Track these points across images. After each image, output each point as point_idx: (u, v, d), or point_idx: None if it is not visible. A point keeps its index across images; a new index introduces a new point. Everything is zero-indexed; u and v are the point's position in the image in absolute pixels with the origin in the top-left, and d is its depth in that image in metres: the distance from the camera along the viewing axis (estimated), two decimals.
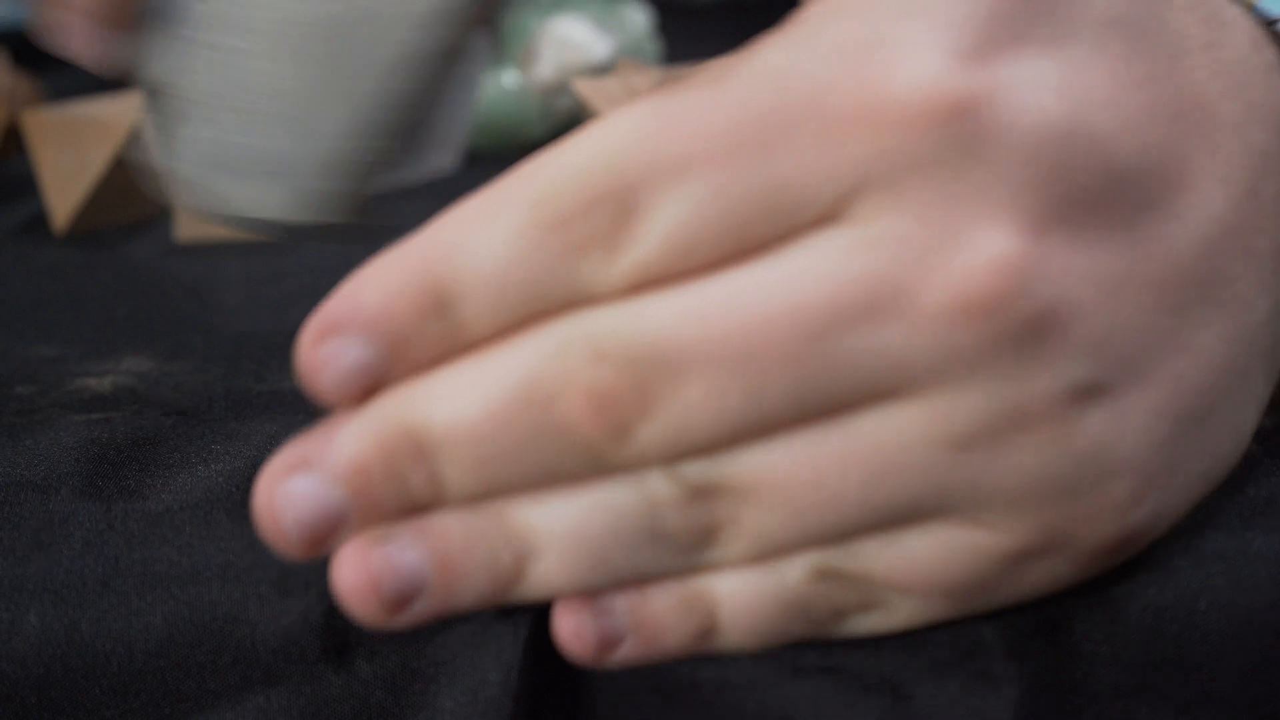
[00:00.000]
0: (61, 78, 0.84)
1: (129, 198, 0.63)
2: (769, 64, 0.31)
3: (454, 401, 0.31)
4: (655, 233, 0.30)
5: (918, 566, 0.32)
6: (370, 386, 0.32)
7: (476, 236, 0.31)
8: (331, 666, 0.35)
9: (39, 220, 0.64)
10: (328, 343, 0.32)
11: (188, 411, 0.44)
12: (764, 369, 0.30)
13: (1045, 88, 0.30)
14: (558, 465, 0.31)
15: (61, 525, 0.37)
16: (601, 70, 0.70)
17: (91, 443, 0.42)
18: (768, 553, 0.32)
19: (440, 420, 0.31)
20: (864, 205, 0.30)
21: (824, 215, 0.30)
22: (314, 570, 0.36)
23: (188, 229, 0.61)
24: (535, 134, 0.72)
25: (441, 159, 0.70)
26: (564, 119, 0.71)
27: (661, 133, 0.30)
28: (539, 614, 0.35)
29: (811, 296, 0.30)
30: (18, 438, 0.42)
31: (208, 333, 0.51)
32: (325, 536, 0.32)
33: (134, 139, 0.61)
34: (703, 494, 0.31)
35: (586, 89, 0.60)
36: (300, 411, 0.43)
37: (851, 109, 0.30)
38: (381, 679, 0.35)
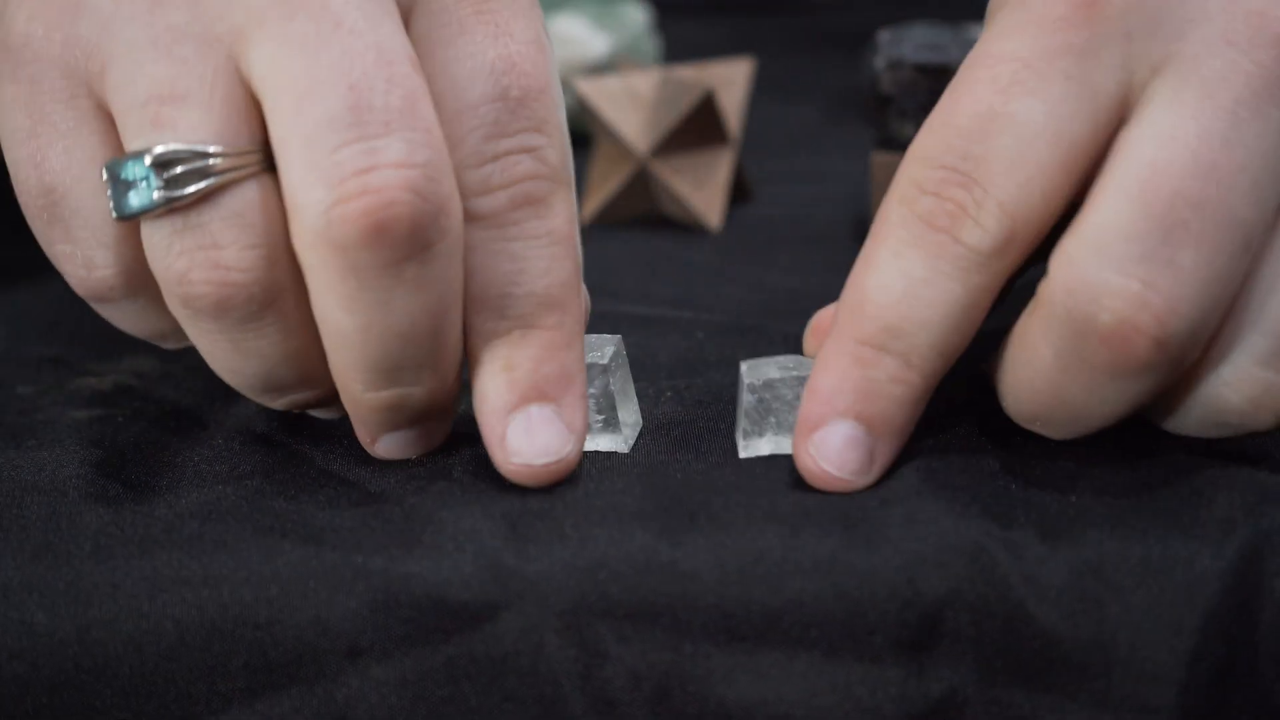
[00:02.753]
0: None
1: None
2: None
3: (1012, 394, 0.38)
4: (996, 173, 0.36)
5: None
6: (868, 454, 0.38)
7: (872, 282, 0.37)
8: (344, 669, 0.35)
9: None
10: (811, 439, 0.38)
11: (191, 411, 0.44)
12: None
13: None
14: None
15: (71, 528, 0.37)
16: (600, 68, 0.70)
17: (97, 444, 0.42)
18: None
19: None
20: None
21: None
22: (325, 573, 0.36)
23: None
24: None
25: None
26: None
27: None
28: (563, 624, 0.35)
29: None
30: (22, 439, 0.42)
31: None
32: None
33: None
34: None
35: (586, 87, 0.60)
36: (304, 412, 0.43)
37: None
38: (394, 681, 0.35)
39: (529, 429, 0.38)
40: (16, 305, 0.55)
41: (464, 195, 0.37)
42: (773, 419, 0.39)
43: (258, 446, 0.41)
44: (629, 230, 0.60)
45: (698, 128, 0.59)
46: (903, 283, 0.37)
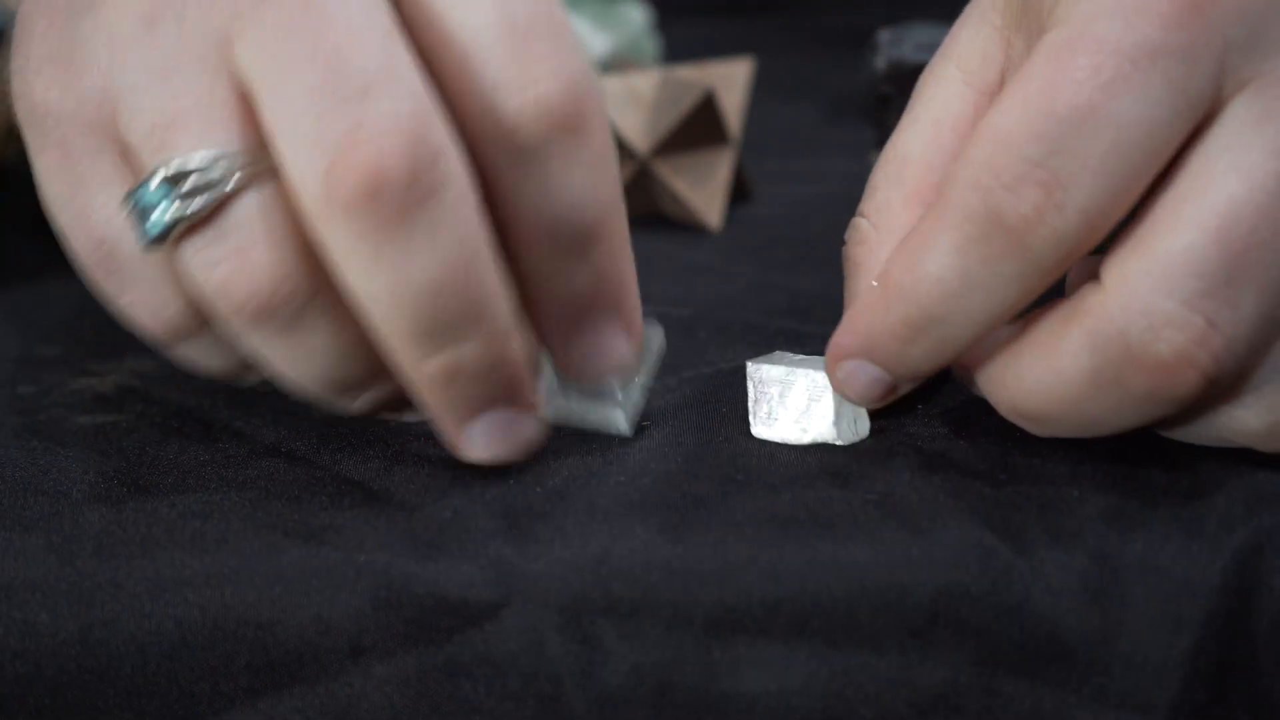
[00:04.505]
0: None
1: None
2: None
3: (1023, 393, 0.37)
4: (1084, 177, 0.34)
5: None
6: (890, 390, 0.39)
7: (930, 268, 0.36)
8: (346, 668, 0.35)
9: (41, 220, 0.64)
10: (843, 366, 0.39)
11: (192, 412, 0.44)
12: None
13: None
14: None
15: (73, 528, 0.37)
16: (600, 67, 0.70)
17: (99, 444, 0.42)
18: None
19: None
20: None
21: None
22: (327, 572, 0.36)
23: None
24: None
25: None
26: None
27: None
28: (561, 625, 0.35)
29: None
30: (25, 440, 0.42)
31: None
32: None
33: None
34: None
35: None
36: (305, 411, 0.43)
37: None
38: (396, 679, 0.35)
39: (592, 345, 0.39)
40: (17, 305, 0.55)
41: (489, 132, 0.36)
42: (772, 409, 0.40)
43: (259, 446, 0.41)
44: (629, 230, 0.60)
45: (698, 128, 0.60)
46: (960, 281, 0.36)
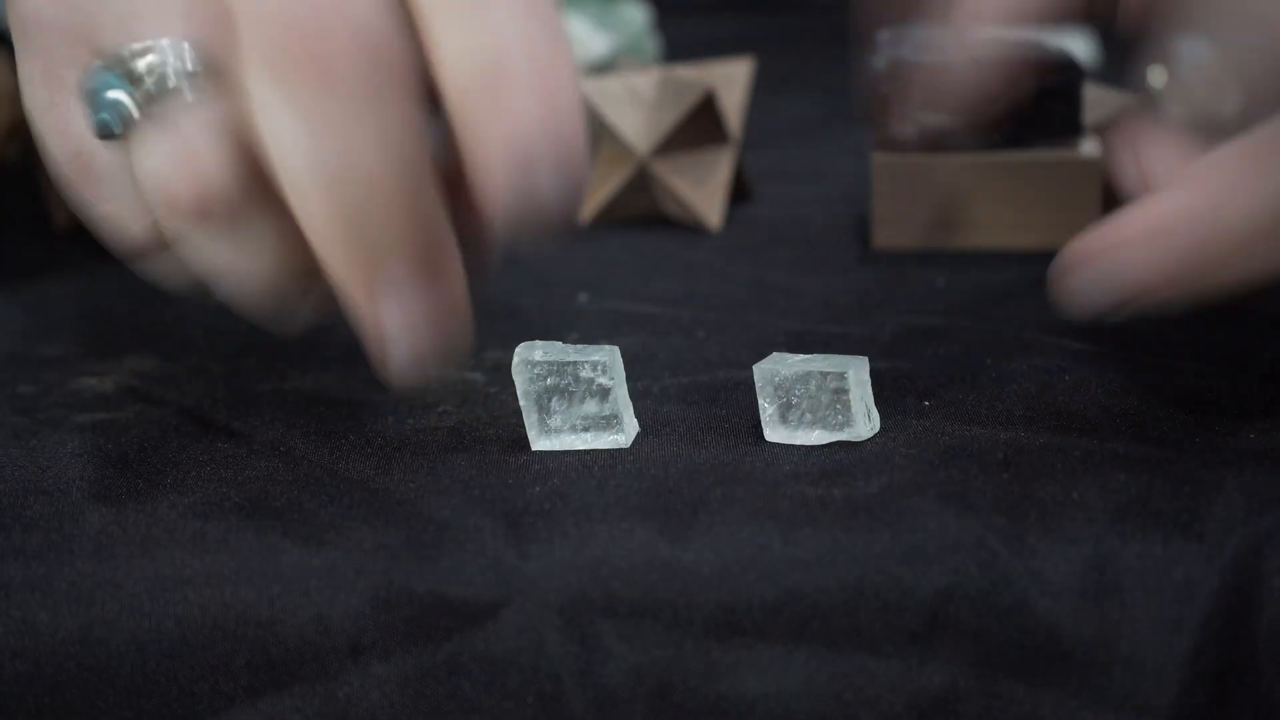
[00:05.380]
0: None
1: None
2: None
3: None
4: None
5: None
6: (1126, 299, 0.38)
7: (1237, 201, 0.37)
8: (345, 667, 0.36)
9: (41, 219, 0.64)
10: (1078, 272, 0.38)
11: (192, 412, 0.44)
12: None
13: None
14: None
15: (72, 527, 0.37)
16: (601, 68, 0.70)
17: (98, 444, 0.42)
18: None
19: None
20: None
21: None
22: (326, 571, 0.36)
23: None
24: None
25: None
26: None
27: None
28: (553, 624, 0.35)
29: None
30: (24, 440, 0.42)
31: (209, 331, 0.51)
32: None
33: None
34: None
35: (587, 87, 0.60)
36: (304, 410, 0.43)
37: None
38: (396, 679, 0.35)
39: (501, 134, 0.34)
40: (17, 305, 0.55)
41: None
42: (784, 412, 0.40)
43: (259, 446, 0.41)
44: (629, 230, 0.60)
45: (698, 127, 0.60)
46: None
